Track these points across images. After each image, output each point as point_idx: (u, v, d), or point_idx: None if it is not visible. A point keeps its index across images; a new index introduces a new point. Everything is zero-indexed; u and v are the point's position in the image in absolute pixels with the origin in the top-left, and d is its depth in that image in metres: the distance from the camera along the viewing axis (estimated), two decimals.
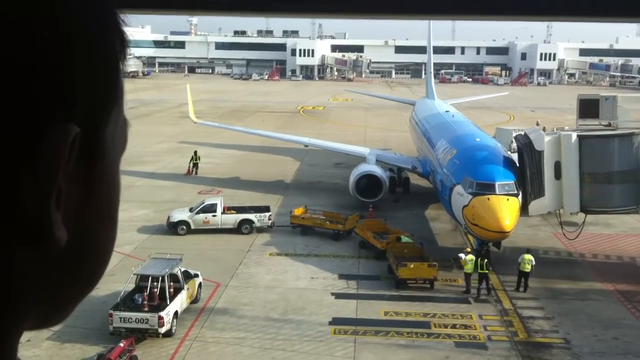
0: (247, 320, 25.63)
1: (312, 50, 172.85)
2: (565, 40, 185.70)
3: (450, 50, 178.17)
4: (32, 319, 1.03)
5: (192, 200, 40.77)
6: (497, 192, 30.19)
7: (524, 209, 31.40)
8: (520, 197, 30.77)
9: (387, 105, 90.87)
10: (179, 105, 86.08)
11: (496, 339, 24.67)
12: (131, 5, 1.64)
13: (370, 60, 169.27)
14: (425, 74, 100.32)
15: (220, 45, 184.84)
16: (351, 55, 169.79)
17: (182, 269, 26.53)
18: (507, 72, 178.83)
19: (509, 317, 26.63)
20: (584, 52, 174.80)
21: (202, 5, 1.84)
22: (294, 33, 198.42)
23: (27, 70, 0.92)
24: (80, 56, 0.98)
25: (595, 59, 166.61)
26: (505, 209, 29.62)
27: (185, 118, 63.62)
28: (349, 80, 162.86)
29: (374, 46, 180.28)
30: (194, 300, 26.71)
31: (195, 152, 51.88)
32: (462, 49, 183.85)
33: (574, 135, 31.85)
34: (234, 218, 36.44)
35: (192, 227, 35.86)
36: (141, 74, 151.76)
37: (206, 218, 36.11)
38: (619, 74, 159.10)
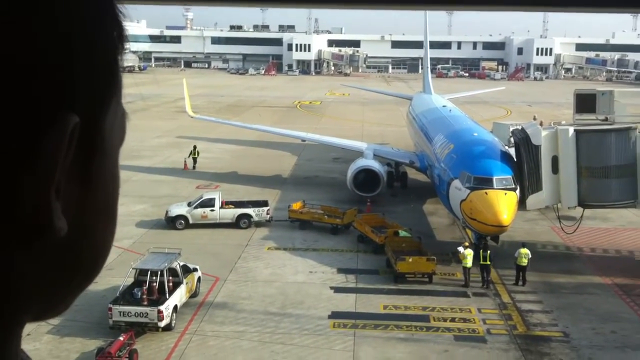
0: (246, 314, 25.66)
1: (309, 45, 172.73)
2: (562, 35, 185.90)
3: (446, 45, 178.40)
4: (32, 311, 1.04)
5: (190, 194, 40.75)
6: (495, 186, 30.26)
7: (521, 203, 31.49)
8: (517, 191, 30.85)
9: (384, 100, 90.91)
10: (175, 100, 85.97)
11: (495, 333, 24.74)
12: None
13: (367, 55, 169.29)
14: (422, 68, 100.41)
15: (216, 40, 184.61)
16: (348, 50, 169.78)
17: (181, 263, 26.54)
18: (504, 67, 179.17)
19: (508, 311, 26.70)
20: (580, 47, 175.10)
21: None
22: (290, 28, 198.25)
23: (26, 59, 0.92)
24: (78, 47, 0.97)
25: (591, 54, 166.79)
26: (503, 203, 29.69)
27: (182, 113, 63.51)
28: (346, 75, 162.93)
29: (370, 41, 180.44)
30: (193, 295, 26.73)
31: (195, 147, 51.86)
32: (459, 44, 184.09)
33: (571, 130, 31.90)
34: (232, 212, 36.46)
35: (191, 221, 35.86)
36: (137, 69, 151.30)
37: (204, 213, 36.11)
38: (616, 68, 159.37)
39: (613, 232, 37.26)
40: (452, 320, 25.61)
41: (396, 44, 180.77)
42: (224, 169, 50.54)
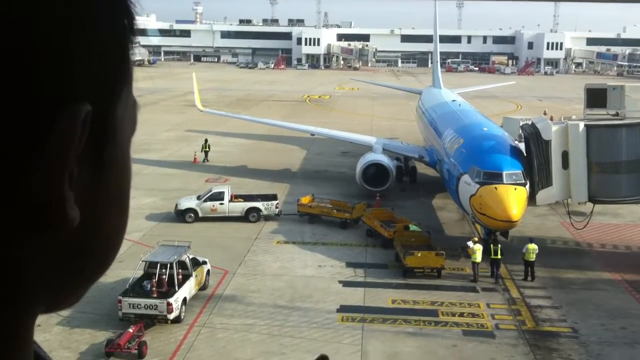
0: (255, 307, 25.74)
1: (318, 39, 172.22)
2: (572, 29, 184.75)
3: (456, 39, 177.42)
4: (44, 302, 1.03)
5: (200, 188, 40.86)
6: (505, 181, 30.15)
7: (531, 199, 31.37)
8: (527, 186, 30.74)
9: (394, 95, 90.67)
10: (184, 94, 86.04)
11: (504, 328, 24.70)
12: None
13: (376, 49, 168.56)
14: (431, 63, 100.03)
15: (225, 34, 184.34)
16: (357, 44, 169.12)
17: (191, 256, 26.64)
18: (514, 61, 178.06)
19: (517, 306, 26.66)
20: (591, 41, 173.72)
21: None
22: (300, 22, 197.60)
23: (35, 48, 0.90)
24: (88, 32, 0.96)
25: (602, 48, 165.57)
26: (512, 198, 29.59)
27: (192, 106, 63.58)
28: (355, 69, 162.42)
29: (380, 35, 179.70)
30: (202, 287, 26.84)
31: (206, 140, 51.99)
32: (469, 38, 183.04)
33: (582, 125, 31.73)
34: (241, 206, 36.53)
35: (200, 214, 35.96)
36: (147, 63, 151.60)
37: (214, 206, 36.20)
38: (626, 63, 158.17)
39: (623, 227, 37.09)
40: (461, 315, 25.61)
41: (406, 38, 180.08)
42: (233, 163, 50.63)
